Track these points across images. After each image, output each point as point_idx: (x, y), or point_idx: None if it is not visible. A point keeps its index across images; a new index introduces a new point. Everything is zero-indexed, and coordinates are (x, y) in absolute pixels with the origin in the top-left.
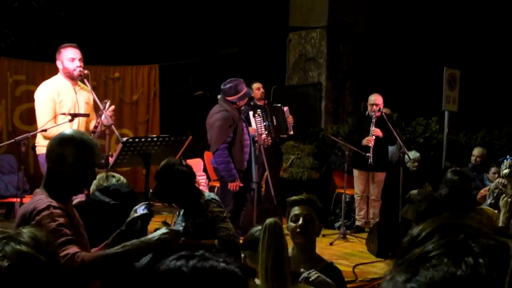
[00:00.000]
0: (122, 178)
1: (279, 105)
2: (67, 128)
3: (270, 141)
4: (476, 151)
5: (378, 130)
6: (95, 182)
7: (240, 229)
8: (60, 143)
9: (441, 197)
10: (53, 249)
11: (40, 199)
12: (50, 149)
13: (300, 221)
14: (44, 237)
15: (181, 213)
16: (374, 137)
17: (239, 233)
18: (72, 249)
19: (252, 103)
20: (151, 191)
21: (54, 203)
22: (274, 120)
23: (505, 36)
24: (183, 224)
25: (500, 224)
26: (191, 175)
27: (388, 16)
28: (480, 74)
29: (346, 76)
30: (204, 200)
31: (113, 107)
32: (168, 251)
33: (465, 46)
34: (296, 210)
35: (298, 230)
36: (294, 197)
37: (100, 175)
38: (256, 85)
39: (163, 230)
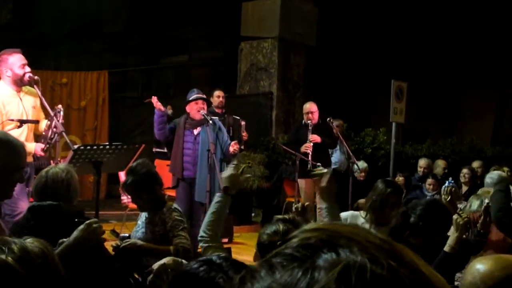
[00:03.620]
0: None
1: (238, 118)
2: (16, 134)
3: (238, 147)
4: (423, 162)
5: (315, 136)
6: None
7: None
8: None
9: (416, 217)
10: (45, 260)
11: None
12: None
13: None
14: (37, 249)
15: (142, 217)
16: (311, 143)
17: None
18: None
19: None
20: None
21: None
22: (231, 131)
23: (449, 50)
24: (143, 229)
25: (448, 249)
26: (161, 180)
27: (338, 29)
28: (425, 86)
29: (296, 86)
30: (167, 208)
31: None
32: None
33: (412, 59)
34: None
35: None
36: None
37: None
38: (216, 93)
39: (79, 228)
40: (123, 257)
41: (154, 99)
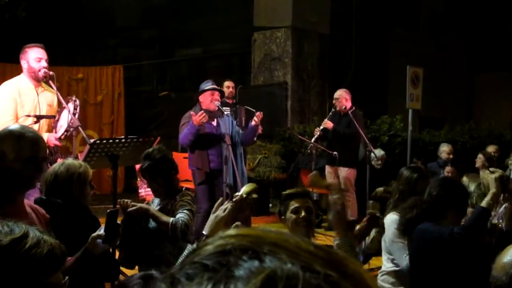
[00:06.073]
0: (56, 168)
1: (253, 110)
2: None
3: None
4: (448, 148)
5: (328, 122)
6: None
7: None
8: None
9: (432, 197)
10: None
11: None
12: None
13: (303, 213)
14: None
15: (155, 205)
16: (321, 127)
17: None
18: None
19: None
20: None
21: None
22: (243, 121)
23: (464, 34)
24: None
25: (485, 204)
26: (176, 166)
27: (351, 15)
28: (441, 71)
29: (311, 75)
30: (181, 195)
31: (78, 112)
32: None
33: (427, 44)
34: (295, 203)
35: (301, 221)
36: (290, 190)
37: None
38: (226, 83)
39: None
40: (131, 220)
41: (201, 115)
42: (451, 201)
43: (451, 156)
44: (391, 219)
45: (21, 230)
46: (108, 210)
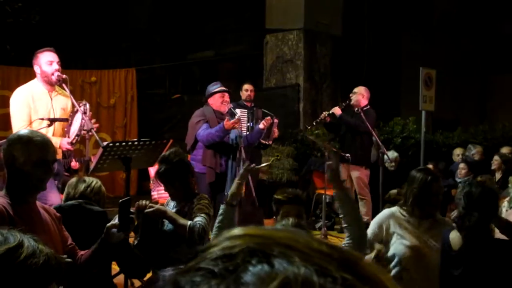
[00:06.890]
0: (93, 182)
1: (272, 114)
2: (45, 132)
3: (276, 133)
4: (480, 148)
5: (337, 108)
6: (66, 189)
7: None
8: (10, 144)
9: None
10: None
11: None
12: (3, 151)
13: (291, 220)
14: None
15: (171, 208)
16: (329, 112)
17: None
18: None
19: (237, 103)
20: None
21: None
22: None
23: (478, 35)
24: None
25: None
26: (193, 169)
27: (363, 17)
28: (454, 73)
29: (323, 77)
30: (197, 198)
31: (90, 113)
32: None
33: (440, 45)
34: (285, 208)
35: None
36: (280, 196)
37: (70, 182)
38: (245, 86)
39: None
40: (148, 222)
41: (235, 122)
42: (489, 215)
43: (483, 157)
44: (390, 210)
45: (16, 239)
46: (120, 200)
